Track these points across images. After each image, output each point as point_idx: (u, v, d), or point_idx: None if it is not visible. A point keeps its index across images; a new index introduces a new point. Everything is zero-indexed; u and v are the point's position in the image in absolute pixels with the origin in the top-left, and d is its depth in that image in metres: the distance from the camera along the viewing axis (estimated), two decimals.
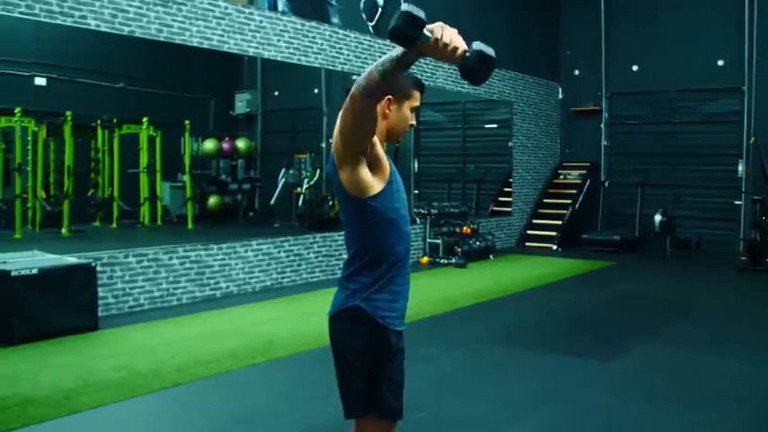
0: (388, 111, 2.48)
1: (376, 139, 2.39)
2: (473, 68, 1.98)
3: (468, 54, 1.97)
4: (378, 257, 2.43)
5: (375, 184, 2.37)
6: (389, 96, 2.46)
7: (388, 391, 2.44)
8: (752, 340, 6.51)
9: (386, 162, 2.42)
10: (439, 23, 1.96)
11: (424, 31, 1.92)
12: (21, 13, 6.63)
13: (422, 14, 1.91)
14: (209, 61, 9.76)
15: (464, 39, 1.98)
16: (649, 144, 14.33)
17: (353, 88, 2.14)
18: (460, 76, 2.04)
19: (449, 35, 1.95)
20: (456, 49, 1.96)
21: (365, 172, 2.34)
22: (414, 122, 2.55)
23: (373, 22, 10.68)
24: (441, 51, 1.96)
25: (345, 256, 2.54)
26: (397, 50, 1.99)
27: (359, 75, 2.21)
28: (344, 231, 2.54)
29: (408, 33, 1.92)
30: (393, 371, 2.46)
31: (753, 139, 12.69)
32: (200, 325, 6.96)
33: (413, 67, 2.68)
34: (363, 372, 2.42)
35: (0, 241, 7.96)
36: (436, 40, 1.94)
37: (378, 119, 2.35)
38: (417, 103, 2.53)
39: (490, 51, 1.98)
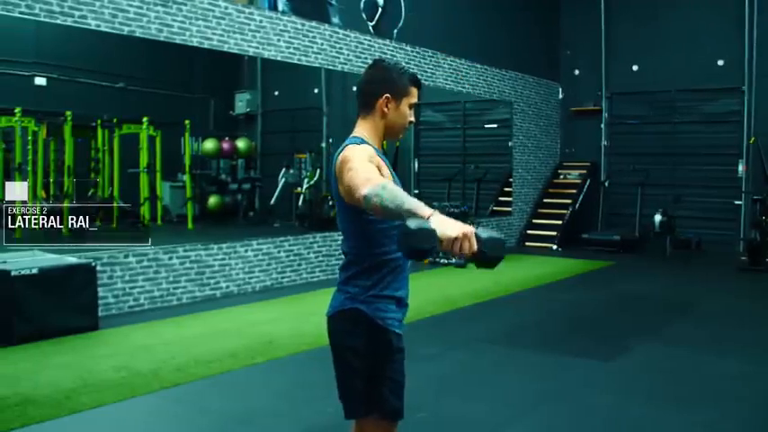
0: (386, 109, 2.48)
1: (378, 160, 2.38)
2: (481, 266, 2.02)
3: (477, 255, 1.97)
4: (376, 263, 2.42)
5: None
6: (387, 95, 2.47)
7: (390, 392, 2.44)
8: (752, 340, 6.51)
9: (387, 175, 2.41)
10: (449, 236, 1.94)
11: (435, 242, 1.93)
12: (21, 12, 6.63)
13: (427, 245, 1.90)
14: (209, 61, 9.76)
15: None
16: (649, 144, 14.32)
17: (363, 197, 2.08)
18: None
19: (458, 246, 1.94)
20: (465, 253, 1.96)
21: None
22: (413, 119, 2.55)
23: (373, 22, 10.68)
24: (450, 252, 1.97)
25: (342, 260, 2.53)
26: (408, 205, 1.98)
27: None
28: (342, 237, 2.53)
29: (419, 257, 1.94)
30: (394, 371, 2.45)
31: (753, 138, 12.69)
32: (201, 325, 6.96)
33: (408, 64, 2.68)
34: (363, 372, 2.41)
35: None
36: (445, 250, 1.95)
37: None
38: (415, 100, 2.53)
39: (500, 252, 1.99)
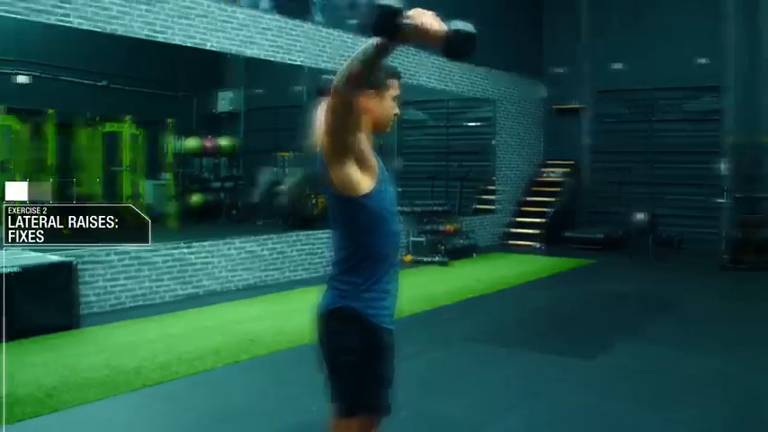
0: (369, 105, 2.49)
1: (363, 136, 2.40)
2: (457, 49, 2.03)
3: (449, 35, 2.00)
4: (367, 257, 2.43)
5: (364, 182, 2.38)
6: (370, 91, 2.48)
7: (380, 388, 2.46)
8: (734, 338, 6.57)
9: (374, 160, 2.43)
10: (418, 10, 1.99)
11: (404, 20, 1.94)
12: (3, 11, 6.59)
13: (399, 5, 1.94)
14: (192, 59, 9.72)
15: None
16: (632, 142, 14.44)
17: (336, 81, 2.18)
18: (445, 56, 2.06)
19: (428, 21, 1.99)
20: (437, 32, 2.00)
21: (355, 169, 2.35)
22: (397, 111, 2.57)
23: (356, 20, 10.67)
24: (422, 38, 2.00)
25: (331, 255, 2.53)
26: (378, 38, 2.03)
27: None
28: (333, 232, 2.52)
29: (389, 27, 1.96)
30: (384, 368, 2.47)
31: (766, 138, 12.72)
32: (183, 323, 6.94)
33: (392, 62, 2.69)
34: (357, 370, 2.42)
35: None
36: (416, 27, 1.98)
37: (361, 114, 2.37)
38: (397, 92, 2.55)
39: (470, 28, 2.03)
